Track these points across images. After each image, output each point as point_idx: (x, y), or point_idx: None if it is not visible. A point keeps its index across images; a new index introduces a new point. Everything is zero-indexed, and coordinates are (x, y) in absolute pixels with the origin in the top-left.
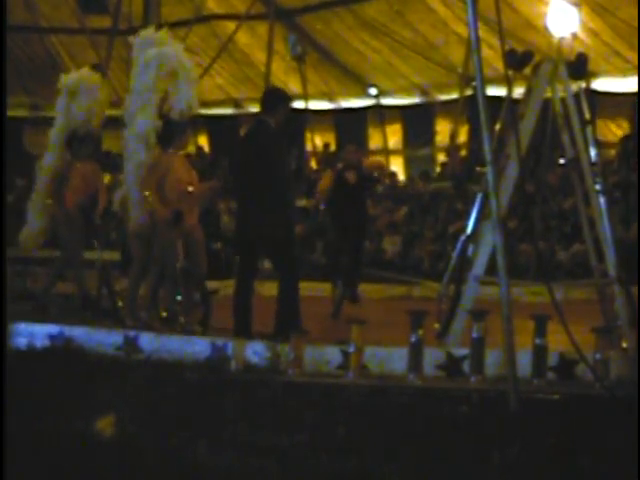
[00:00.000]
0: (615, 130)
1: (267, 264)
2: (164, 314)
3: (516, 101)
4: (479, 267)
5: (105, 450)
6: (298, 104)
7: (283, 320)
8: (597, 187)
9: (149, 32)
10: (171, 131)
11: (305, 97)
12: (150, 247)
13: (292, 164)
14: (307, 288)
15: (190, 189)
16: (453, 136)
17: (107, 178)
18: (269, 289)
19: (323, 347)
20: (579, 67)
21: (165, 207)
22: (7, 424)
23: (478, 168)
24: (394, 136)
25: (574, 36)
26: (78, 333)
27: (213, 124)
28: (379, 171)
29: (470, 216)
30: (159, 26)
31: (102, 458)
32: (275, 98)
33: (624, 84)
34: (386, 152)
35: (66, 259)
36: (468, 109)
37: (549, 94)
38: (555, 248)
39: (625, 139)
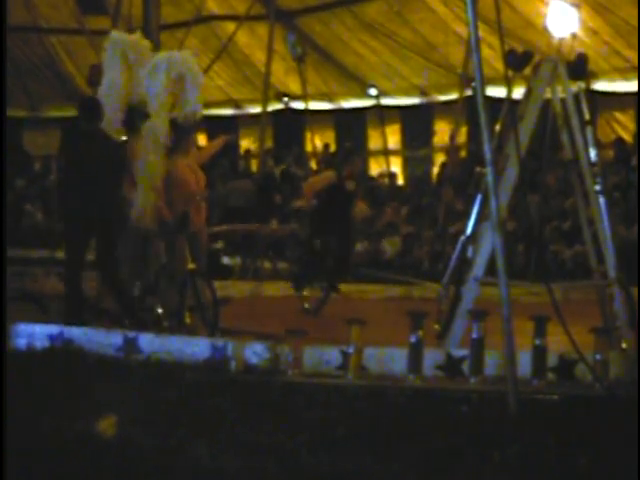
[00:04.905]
0: (615, 130)
1: (267, 264)
2: (159, 310)
3: (516, 101)
4: (479, 268)
5: (105, 451)
6: (298, 104)
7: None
8: (597, 187)
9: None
10: (177, 135)
11: (305, 97)
12: (145, 246)
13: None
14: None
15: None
16: (453, 136)
17: None
18: (269, 289)
19: (322, 348)
20: (579, 67)
21: (172, 211)
22: (7, 424)
23: (478, 169)
24: (394, 136)
25: (574, 36)
26: (78, 334)
27: (212, 125)
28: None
29: (470, 217)
30: (159, 27)
31: (102, 459)
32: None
33: (624, 84)
34: (385, 152)
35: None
36: (468, 109)
37: (549, 94)
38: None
39: (620, 140)
